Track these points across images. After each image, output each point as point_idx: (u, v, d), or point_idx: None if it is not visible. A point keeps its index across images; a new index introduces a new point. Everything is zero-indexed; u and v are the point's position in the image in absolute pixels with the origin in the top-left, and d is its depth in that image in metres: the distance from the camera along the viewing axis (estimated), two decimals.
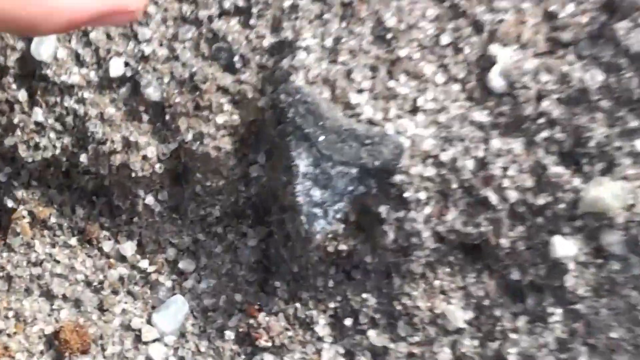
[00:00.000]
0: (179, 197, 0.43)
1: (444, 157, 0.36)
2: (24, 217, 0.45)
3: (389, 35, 0.36)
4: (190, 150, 0.40)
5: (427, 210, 0.37)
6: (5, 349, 0.41)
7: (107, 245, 0.42)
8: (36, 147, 0.45)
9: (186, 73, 0.39)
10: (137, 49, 0.41)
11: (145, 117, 0.41)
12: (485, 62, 0.37)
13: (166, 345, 0.42)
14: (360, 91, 0.36)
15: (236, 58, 0.38)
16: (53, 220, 0.45)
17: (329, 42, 0.37)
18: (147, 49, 0.40)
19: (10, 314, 0.43)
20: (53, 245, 0.45)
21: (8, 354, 0.41)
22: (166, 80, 0.40)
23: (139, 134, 0.41)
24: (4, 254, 0.45)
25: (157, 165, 0.41)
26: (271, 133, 0.37)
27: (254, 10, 0.39)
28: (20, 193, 0.46)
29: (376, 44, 0.36)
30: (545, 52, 0.37)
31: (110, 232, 0.43)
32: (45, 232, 0.45)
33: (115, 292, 0.44)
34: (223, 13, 0.39)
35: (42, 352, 0.43)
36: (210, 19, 0.39)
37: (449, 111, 0.37)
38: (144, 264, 0.43)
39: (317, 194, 0.37)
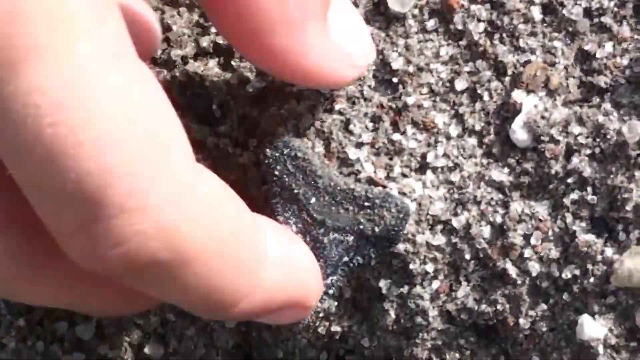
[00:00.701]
0: None
1: (456, 223, 0.32)
2: None
3: (394, 79, 0.32)
4: None
5: (435, 285, 0.32)
6: None
7: (61, 327, 0.38)
8: None
9: None
10: None
11: None
12: (507, 112, 0.33)
13: None
14: (359, 145, 0.31)
15: (214, 107, 0.34)
16: None
17: None
18: None
19: None
20: None
21: None
22: None
23: None
24: None
25: None
26: (254, 194, 0.33)
27: None
28: None
29: (379, 89, 0.32)
30: (578, 100, 0.33)
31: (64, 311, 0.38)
32: None
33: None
34: (200, 53, 0.35)
35: None
36: (184, 60, 0.35)
37: (463, 169, 0.32)
38: (103, 349, 0.38)
39: None
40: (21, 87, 0.23)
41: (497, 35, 0.32)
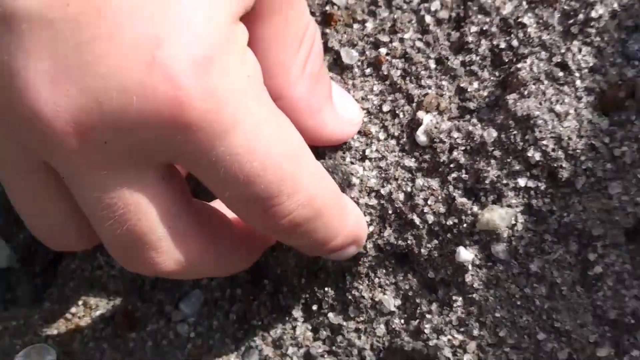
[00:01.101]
0: None
1: (383, 191, 0.44)
2: None
3: None
4: None
5: (371, 228, 0.45)
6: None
7: None
8: None
9: None
10: None
11: None
12: (414, 124, 0.45)
13: (188, 324, 0.50)
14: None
15: None
16: None
17: None
18: None
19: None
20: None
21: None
22: None
23: None
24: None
25: None
26: None
27: None
28: None
29: None
30: (456, 117, 0.44)
31: None
32: None
33: (153, 288, 0.52)
34: None
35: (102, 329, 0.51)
36: None
37: (387, 159, 0.45)
38: None
39: None
40: (229, 147, 0.32)
41: (408, 78, 0.46)
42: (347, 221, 0.41)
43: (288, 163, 0.34)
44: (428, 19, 0.46)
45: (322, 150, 0.46)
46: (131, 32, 0.29)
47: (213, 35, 0.30)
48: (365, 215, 0.45)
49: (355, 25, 0.47)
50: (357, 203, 0.45)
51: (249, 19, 0.35)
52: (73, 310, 0.52)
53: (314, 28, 0.39)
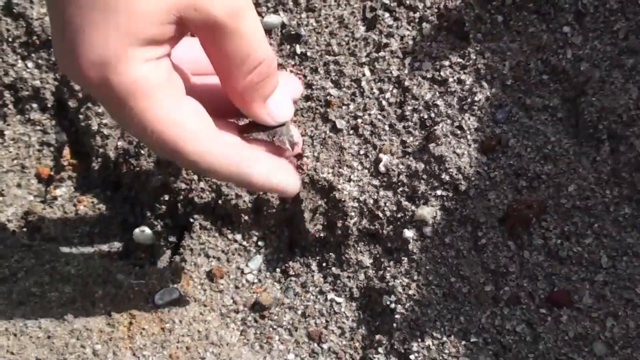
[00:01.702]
0: None
1: (361, 198, 0.75)
2: None
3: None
4: None
5: (355, 219, 0.76)
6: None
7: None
8: None
9: None
10: None
11: None
12: (377, 161, 0.74)
13: (253, 274, 0.78)
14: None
15: None
16: None
17: None
18: None
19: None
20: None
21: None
22: None
23: None
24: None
25: None
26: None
27: None
28: None
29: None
30: (401, 156, 0.75)
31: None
32: None
33: (233, 254, 0.83)
34: None
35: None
36: None
37: (362, 181, 0.78)
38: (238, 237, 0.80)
39: None
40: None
41: (373, 135, 0.75)
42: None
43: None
44: (384, 103, 0.78)
45: (324, 176, 0.77)
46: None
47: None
48: (350, 211, 0.76)
49: (343, 107, 0.80)
50: (346, 203, 0.76)
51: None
52: (188, 267, 0.80)
53: (268, 61, 0.52)
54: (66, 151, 0.92)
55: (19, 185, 0.93)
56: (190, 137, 0.48)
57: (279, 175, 0.58)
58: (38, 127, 0.94)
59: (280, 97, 0.55)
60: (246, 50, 0.48)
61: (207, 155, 0.49)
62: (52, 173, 0.93)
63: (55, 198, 0.91)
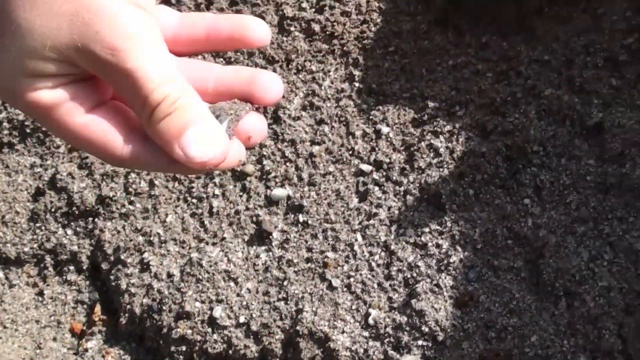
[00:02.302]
0: None
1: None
2: None
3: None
4: None
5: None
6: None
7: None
8: None
9: None
10: None
11: None
12: (367, 315, 0.91)
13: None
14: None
15: None
16: None
17: None
18: None
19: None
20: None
21: None
22: None
23: None
24: None
25: None
26: None
27: None
28: None
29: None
30: (387, 310, 0.92)
31: None
32: None
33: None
34: None
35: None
36: None
37: (355, 331, 0.91)
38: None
39: None
40: None
41: (364, 293, 0.92)
42: None
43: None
44: (373, 264, 0.92)
45: (321, 328, 0.89)
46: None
47: None
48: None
49: (339, 268, 0.93)
50: (339, 352, 0.87)
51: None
52: None
53: (170, 99, 0.44)
54: (97, 308, 1.04)
55: (54, 339, 1.04)
56: (101, 155, 0.48)
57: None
58: (74, 287, 1.08)
59: (196, 135, 0.45)
60: (141, 91, 0.44)
61: (122, 163, 0.48)
62: (84, 328, 1.05)
63: (86, 350, 1.02)
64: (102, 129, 0.47)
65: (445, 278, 0.85)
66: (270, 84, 0.50)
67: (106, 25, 0.43)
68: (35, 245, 1.09)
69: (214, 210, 1.00)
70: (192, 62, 0.51)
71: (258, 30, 0.50)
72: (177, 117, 0.45)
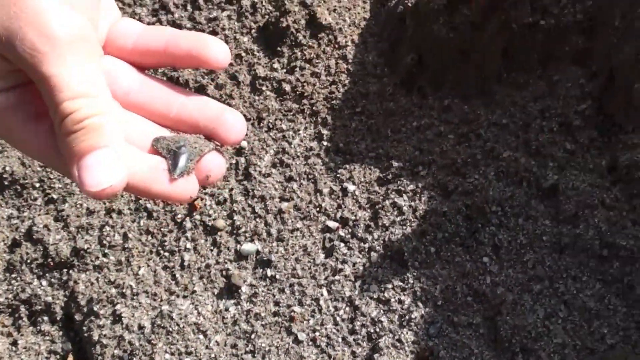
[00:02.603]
0: None
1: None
2: None
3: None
4: None
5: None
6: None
7: None
8: None
9: None
10: None
11: None
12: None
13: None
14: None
15: None
16: None
17: None
18: None
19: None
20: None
21: None
22: None
23: None
24: None
25: None
26: None
27: None
28: None
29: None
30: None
31: None
32: None
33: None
34: None
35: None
36: None
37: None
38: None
39: None
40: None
41: (329, 346, 0.95)
42: None
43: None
44: (338, 319, 0.95)
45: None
46: None
47: None
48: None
49: (304, 322, 0.96)
50: None
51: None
52: None
53: (79, 115, 0.42)
54: (70, 358, 1.06)
55: None
56: (37, 156, 0.47)
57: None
58: (47, 337, 1.09)
59: (96, 161, 0.42)
60: (54, 100, 0.42)
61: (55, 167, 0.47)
62: None
63: None
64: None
65: (407, 333, 0.88)
66: (234, 124, 0.49)
67: (30, 22, 0.41)
68: (10, 296, 1.11)
69: (185, 263, 1.02)
70: (163, 83, 0.50)
71: (216, 50, 0.48)
72: (83, 136, 0.42)
